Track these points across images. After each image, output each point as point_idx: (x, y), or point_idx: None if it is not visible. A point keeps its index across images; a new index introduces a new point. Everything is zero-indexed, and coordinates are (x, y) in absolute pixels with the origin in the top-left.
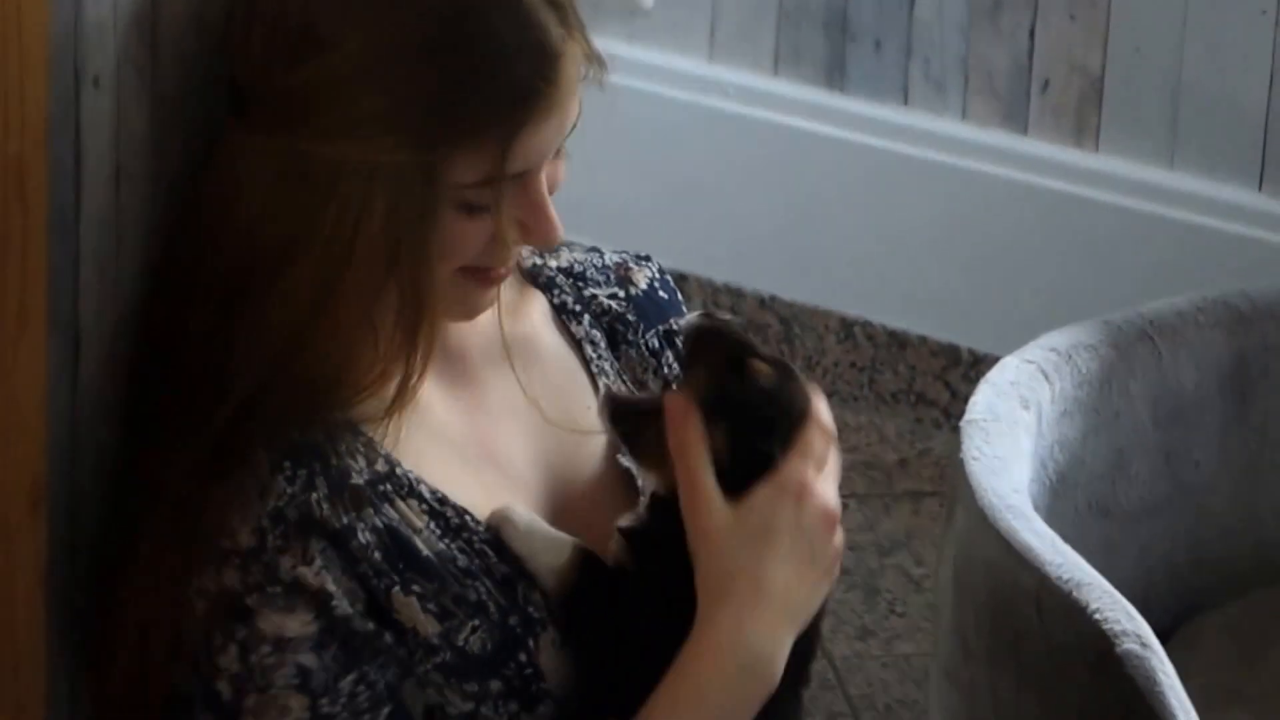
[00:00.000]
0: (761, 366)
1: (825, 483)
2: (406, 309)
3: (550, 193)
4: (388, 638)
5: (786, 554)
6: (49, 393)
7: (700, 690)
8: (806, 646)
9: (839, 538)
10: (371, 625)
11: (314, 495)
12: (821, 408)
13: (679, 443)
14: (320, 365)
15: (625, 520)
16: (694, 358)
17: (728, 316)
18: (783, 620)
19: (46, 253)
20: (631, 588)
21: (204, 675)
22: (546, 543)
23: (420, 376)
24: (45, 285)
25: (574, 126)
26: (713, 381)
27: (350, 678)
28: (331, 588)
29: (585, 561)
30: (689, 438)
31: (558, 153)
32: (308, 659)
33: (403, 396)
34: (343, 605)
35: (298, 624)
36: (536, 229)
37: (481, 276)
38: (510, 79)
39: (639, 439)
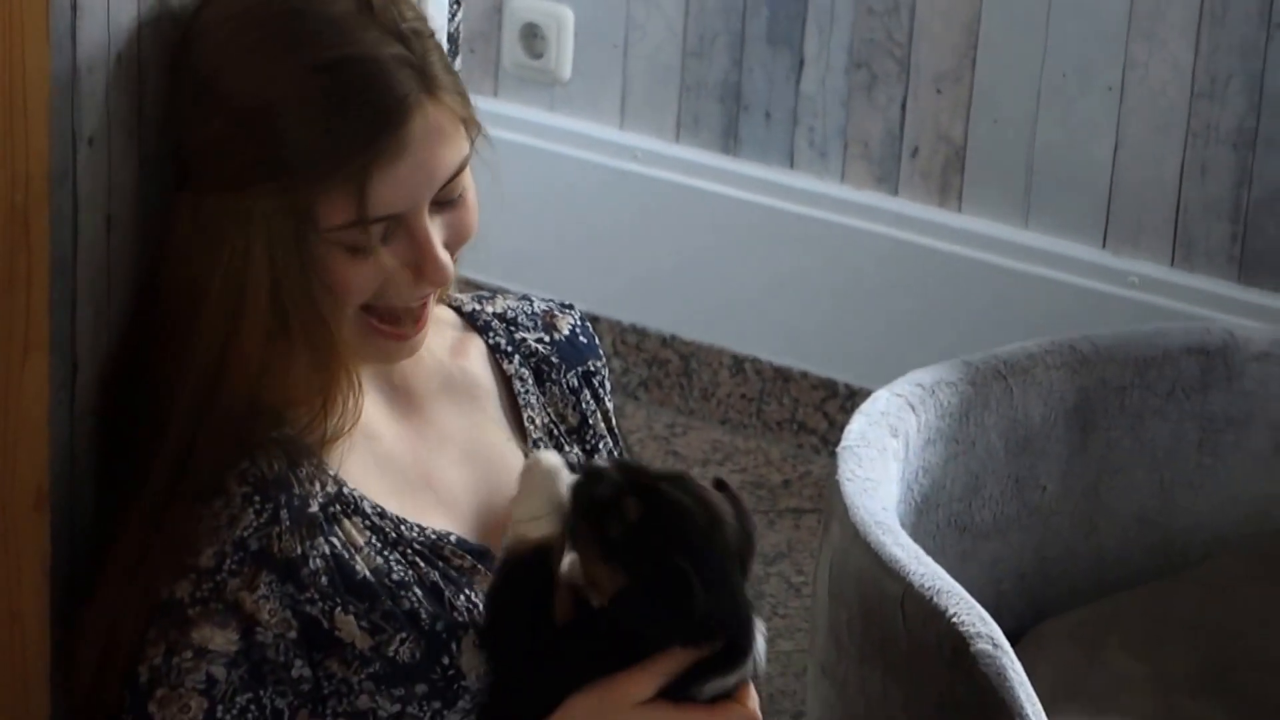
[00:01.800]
0: (630, 504)
1: None
2: (312, 346)
3: (459, 242)
4: (296, 671)
5: None
6: (50, 409)
7: None
8: None
9: None
10: (283, 658)
11: (276, 529)
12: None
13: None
14: (242, 398)
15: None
16: (577, 514)
17: (603, 464)
18: None
19: (48, 289)
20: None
21: (133, 659)
22: (532, 506)
23: (348, 412)
24: (47, 317)
25: (452, 179)
26: (595, 533)
27: (247, 695)
28: (264, 617)
29: (540, 553)
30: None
31: (455, 203)
32: (219, 671)
33: (335, 431)
34: (265, 635)
35: (223, 640)
36: (424, 269)
37: (389, 333)
38: (354, 126)
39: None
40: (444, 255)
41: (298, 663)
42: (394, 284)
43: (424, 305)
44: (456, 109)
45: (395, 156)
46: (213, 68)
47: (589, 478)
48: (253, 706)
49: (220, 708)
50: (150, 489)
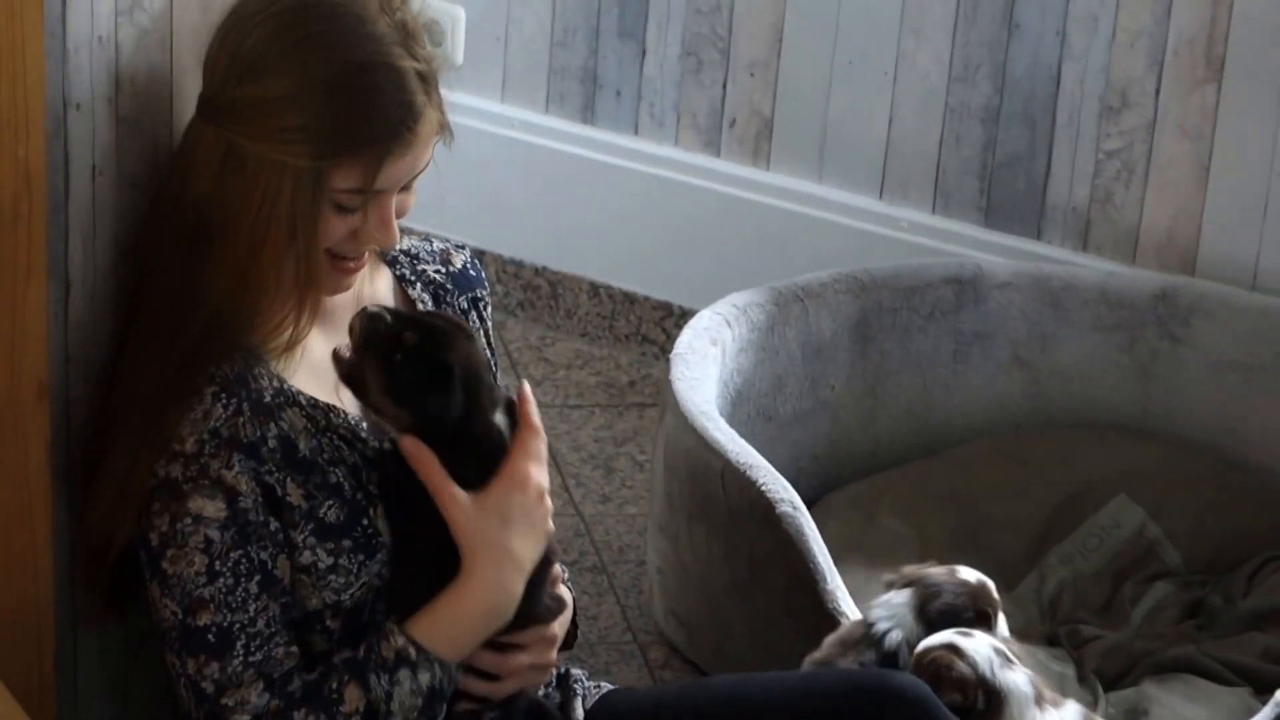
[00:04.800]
0: (408, 336)
1: (539, 470)
2: (301, 275)
3: (401, 216)
4: (272, 525)
5: (518, 528)
6: (48, 321)
7: (460, 614)
8: (541, 571)
9: (548, 506)
10: (261, 517)
11: (240, 419)
12: (532, 411)
13: (422, 470)
14: (249, 310)
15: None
16: (362, 348)
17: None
18: (519, 574)
19: (46, 225)
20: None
21: (143, 527)
22: None
23: (309, 325)
24: (45, 248)
25: (422, 171)
26: (378, 362)
27: (238, 552)
28: (242, 488)
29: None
30: (426, 461)
31: (409, 186)
32: (214, 533)
33: (296, 339)
34: (245, 502)
35: (213, 509)
36: (381, 234)
37: (342, 266)
38: (385, 120)
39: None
40: (396, 227)
41: (271, 519)
42: (353, 239)
43: (365, 255)
44: (441, 116)
45: (405, 149)
46: (267, 47)
47: (371, 319)
48: (244, 560)
49: (218, 562)
50: (153, 385)
